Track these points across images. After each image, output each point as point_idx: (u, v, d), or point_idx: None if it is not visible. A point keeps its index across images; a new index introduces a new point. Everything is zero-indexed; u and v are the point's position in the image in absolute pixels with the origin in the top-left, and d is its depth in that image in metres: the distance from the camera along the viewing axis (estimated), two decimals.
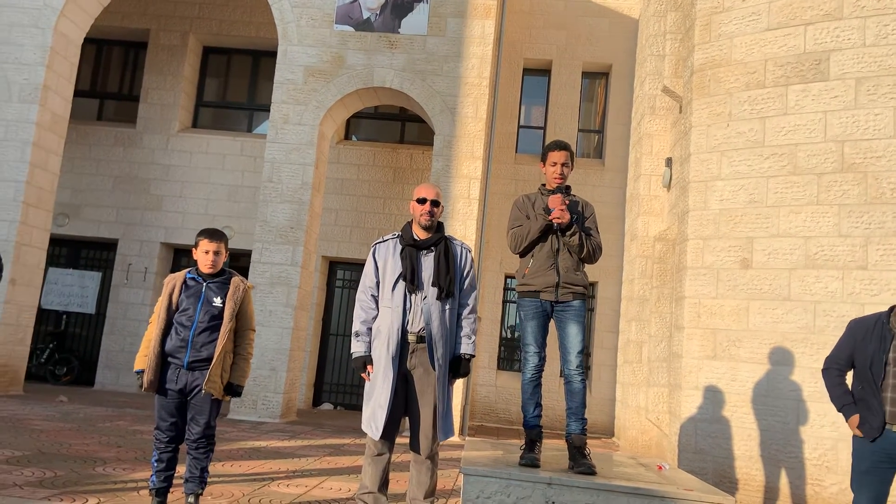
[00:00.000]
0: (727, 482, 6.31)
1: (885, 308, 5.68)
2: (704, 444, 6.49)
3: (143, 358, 4.15)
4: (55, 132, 10.28)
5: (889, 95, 6.09)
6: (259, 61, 13.30)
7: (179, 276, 4.28)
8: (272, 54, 12.97)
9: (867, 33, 6.25)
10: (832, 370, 4.05)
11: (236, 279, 4.31)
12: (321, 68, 10.02)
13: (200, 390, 4.10)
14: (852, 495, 3.94)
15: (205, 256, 4.21)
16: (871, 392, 3.84)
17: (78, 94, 13.04)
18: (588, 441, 4.40)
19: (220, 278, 4.27)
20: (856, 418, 3.88)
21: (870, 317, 4.01)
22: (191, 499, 4.12)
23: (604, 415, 11.82)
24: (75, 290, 12.62)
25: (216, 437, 6.79)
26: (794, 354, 6.19)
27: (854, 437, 3.94)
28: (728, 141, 6.81)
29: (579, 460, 4.12)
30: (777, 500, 6.10)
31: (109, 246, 12.79)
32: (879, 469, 3.81)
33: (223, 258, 4.29)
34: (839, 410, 3.99)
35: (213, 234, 4.24)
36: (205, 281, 4.25)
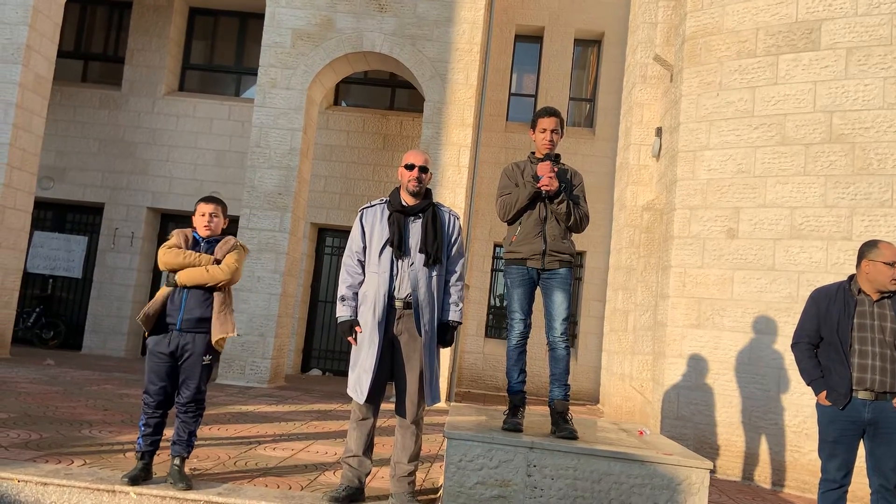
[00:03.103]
0: (708, 448, 6.43)
1: None
2: (686, 411, 6.59)
3: None
4: (38, 93, 10.10)
5: (879, 66, 6.07)
6: (247, 23, 13.07)
7: (188, 231, 4.33)
8: (260, 16, 12.74)
9: (859, 2, 6.21)
10: (802, 344, 4.04)
11: (230, 237, 4.37)
12: (309, 31, 9.86)
13: (191, 354, 4.12)
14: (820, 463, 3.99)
15: (200, 219, 4.30)
16: (838, 359, 3.86)
17: (62, 54, 12.80)
18: (573, 407, 4.45)
19: (216, 243, 4.32)
20: (825, 393, 3.89)
21: (831, 285, 4.02)
22: (177, 461, 4.14)
23: (589, 382, 11.95)
24: (61, 253, 12.53)
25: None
26: (777, 324, 6.26)
27: (820, 406, 3.95)
28: (717, 110, 6.79)
29: (561, 425, 4.17)
30: (756, 466, 6.23)
31: (95, 210, 12.67)
32: (846, 437, 3.84)
33: (221, 223, 4.34)
34: (808, 384, 4.00)
35: (209, 198, 4.36)
36: (202, 243, 4.29)
